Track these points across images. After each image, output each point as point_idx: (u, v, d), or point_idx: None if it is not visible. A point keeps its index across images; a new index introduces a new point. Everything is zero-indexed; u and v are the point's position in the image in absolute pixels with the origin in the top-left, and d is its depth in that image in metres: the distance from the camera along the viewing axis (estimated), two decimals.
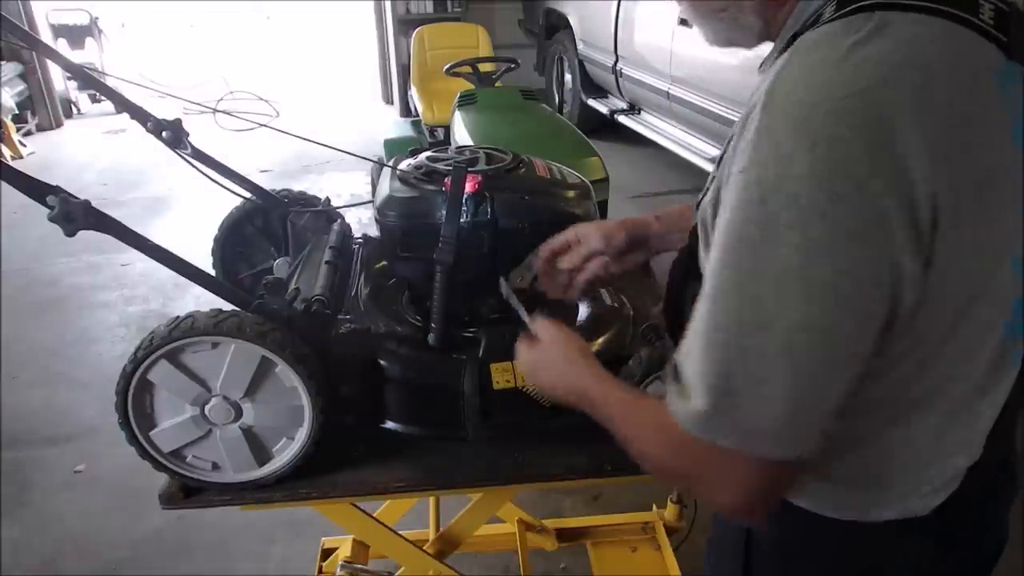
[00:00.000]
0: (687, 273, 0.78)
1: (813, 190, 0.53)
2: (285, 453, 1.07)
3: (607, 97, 5.51)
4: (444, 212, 1.11)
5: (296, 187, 1.53)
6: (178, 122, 1.28)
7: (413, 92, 4.71)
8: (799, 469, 0.63)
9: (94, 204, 0.95)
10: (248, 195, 1.43)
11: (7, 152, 5.50)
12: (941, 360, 0.62)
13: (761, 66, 0.74)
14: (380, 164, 1.33)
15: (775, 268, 0.55)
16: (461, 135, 2.91)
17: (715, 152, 4.09)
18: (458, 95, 3.20)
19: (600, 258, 1.04)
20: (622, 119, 5.10)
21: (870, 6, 0.56)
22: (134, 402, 1.01)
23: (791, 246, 0.54)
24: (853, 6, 0.56)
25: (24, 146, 5.80)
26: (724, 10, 0.70)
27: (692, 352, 0.60)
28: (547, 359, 0.88)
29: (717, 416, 0.59)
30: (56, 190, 0.93)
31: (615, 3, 4.87)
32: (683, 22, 3.98)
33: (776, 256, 0.54)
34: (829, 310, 0.54)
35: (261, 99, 5.55)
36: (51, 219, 0.93)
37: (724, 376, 0.58)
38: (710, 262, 0.59)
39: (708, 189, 0.70)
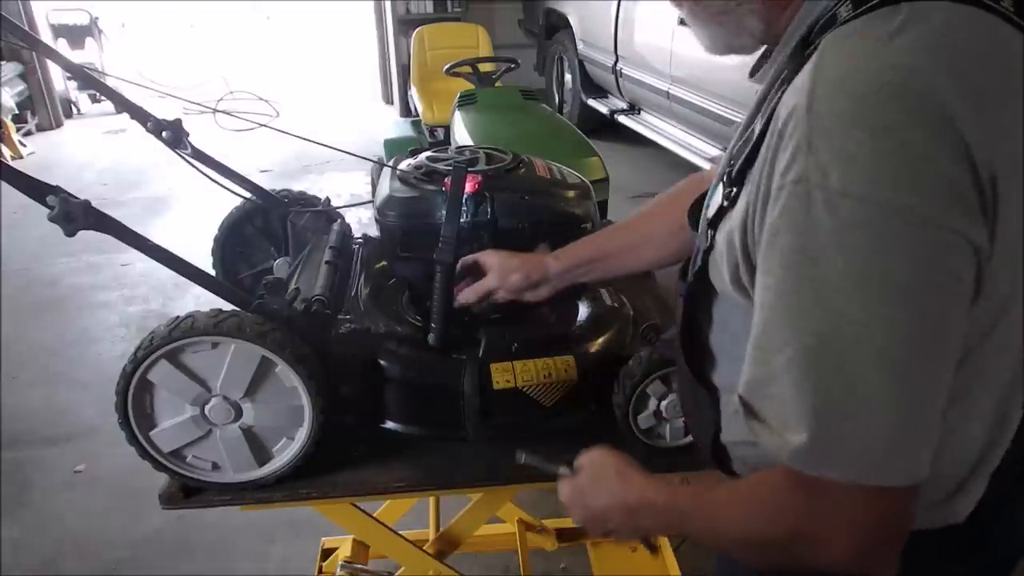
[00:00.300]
0: (698, 297, 0.75)
1: (884, 184, 0.51)
2: (285, 453, 1.07)
3: (607, 97, 5.50)
4: (444, 212, 1.11)
5: (296, 187, 1.53)
6: (178, 122, 1.28)
7: (413, 92, 4.71)
8: (914, 498, 0.57)
9: (94, 204, 0.95)
10: (248, 195, 1.43)
11: (7, 152, 5.49)
12: (979, 358, 0.59)
13: (754, 73, 0.73)
14: (380, 164, 1.33)
15: (855, 274, 0.52)
16: (461, 135, 2.91)
17: (715, 152, 4.09)
18: (458, 95, 3.20)
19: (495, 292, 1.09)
20: (622, 119, 5.10)
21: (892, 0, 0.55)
22: (134, 402, 1.01)
23: (868, 247, 0.51)
24: (871, 3, 0.56)
25: (24, 146, 5.80)
26: (727, 13, 0.68)
27: (773, 383, 0.56)
28: (593, 482, 0.82)
29: (822, 446, 0.54)
30: (56, 190, 0.93)
31: (615, 3, 4.87)
32: (683, 22, 3.95)
33: (854, 261, 0.52)
34: (923, 306, 0.51)
35: (261, 99, 5.53)
36: (51, 219, 0.93)
37: (821, 400, 0.54)
38: (769, 283, 0.56)
39: (725, 208, 0.66)
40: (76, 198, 0.94)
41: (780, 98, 0.60)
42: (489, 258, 1.09)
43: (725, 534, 0.67)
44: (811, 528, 0.58)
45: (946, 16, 0.54)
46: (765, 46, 0.71)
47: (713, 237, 0.69)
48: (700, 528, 0.69)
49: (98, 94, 5.29)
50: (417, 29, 5.07)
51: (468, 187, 1.11)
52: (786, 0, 0.65)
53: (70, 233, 0.94)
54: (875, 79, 0.52)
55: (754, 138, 0.63)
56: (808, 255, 0.53)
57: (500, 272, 1.08)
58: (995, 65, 0.55)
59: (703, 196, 0.85)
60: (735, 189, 0.65)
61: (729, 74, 3.46)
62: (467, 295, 1.10)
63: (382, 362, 1.13)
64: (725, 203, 0.66)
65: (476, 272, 1.11)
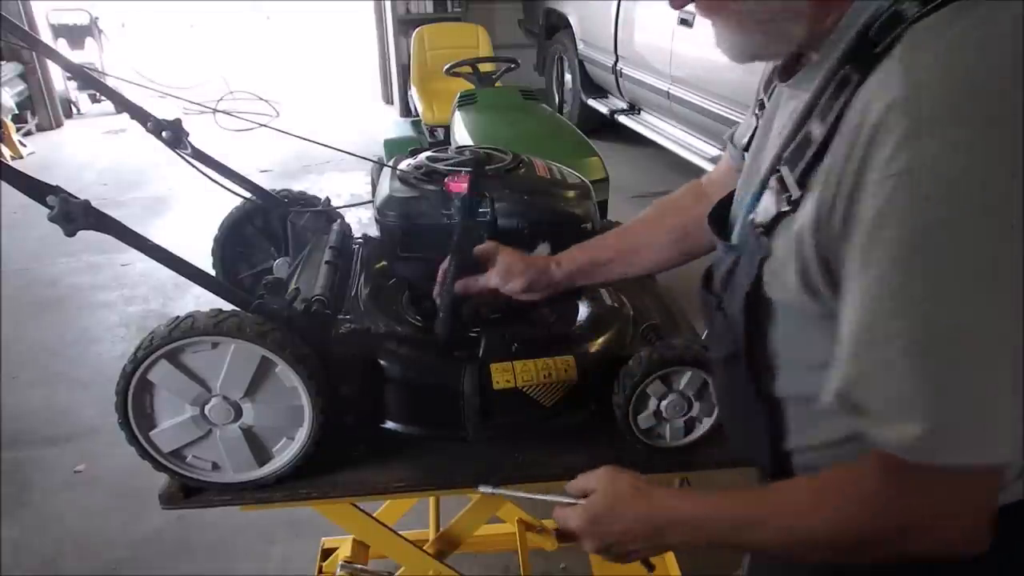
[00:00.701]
0: (755, 309, 0.73)
1: (1003, 172, 0.50)
2: (285, 453, 1.07)
3: (607, 97, 5.51)
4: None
5: (296, 187, 1.53)
6: (178, 122, 1.28)
7: (413, 92, 4.71)
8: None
9: (94, 204, 0.95)
10: (248, 195, 1.43)
11: (7, 152, 5.50)
12: None
13: (787, 76, 0.70)
14: (380, 164, 1.33)
15: (973, 262, 0.51)
16: (461, 135, 2.91)
17: (715, 152, 4.09)
18: (458, 95, 3.20)
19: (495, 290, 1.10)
20: (622, 119, 5.10)
21: None
22: (134, 402, 1.01)
23: (986, 235, 0.51)
24: None
25: (24, 146, 5.80)
26: (772, 21, 0.65)
27: (882, 374, 0.56)
28: (609, 506, 0.77)
29: (941, 433, 0.54)
30: (56, 190, 0.93)
31: (615, 3, 4.87)
32: (683, 22, 3.97)
33: (971, 249, 0.51)
34: None
35: (261, 99, 5.53)
36: (51, 219, 0.93)
37: (940, 389, 0.54)
38: (873, 275, 0.56)
39: (785, 212, 0.65)
40: (76, 198, 0.94)
41: (846, 100, 0.59)
42: (500, 255, 1.10)
43: (806, 538, 0.65)
44: (926, 516, 0.58)
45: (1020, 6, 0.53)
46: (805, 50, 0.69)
47: (769, 245, 0.68)
48: (759, 537, 0.67)
49: (98, 94, 5.28)
50: (417, 29, 5.07)
51: (464, 187, 1.11)
52: (831, 2, 0.63)
53: (70, 233, 0.94)
54: (979, 69, 0.52)
55: (816, 142, 0.61)
56: (921, 245, 0.53)
57: (504, 274, 1.08)
58: None
59: (725, 203, 0.84)
60: (797, 193, 0.63)
61: (729, 74, 3.46)
62: (462, 286, 1.11)
63: (382, 362, 1.13)
64: (786, 207, 0.65)
65: (478, 265, 1.12)
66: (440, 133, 4.06)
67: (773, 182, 0.67)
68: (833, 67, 0.62)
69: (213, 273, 1.41)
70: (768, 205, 0.68)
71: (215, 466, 1.07)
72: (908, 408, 0.55)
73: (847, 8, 0.62)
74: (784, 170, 0.65)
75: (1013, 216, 0.50)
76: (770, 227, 0.67)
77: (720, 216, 0.84)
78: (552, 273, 1.09)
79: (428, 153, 1.24)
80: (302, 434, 1.06)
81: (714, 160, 4.06)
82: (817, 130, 0.62)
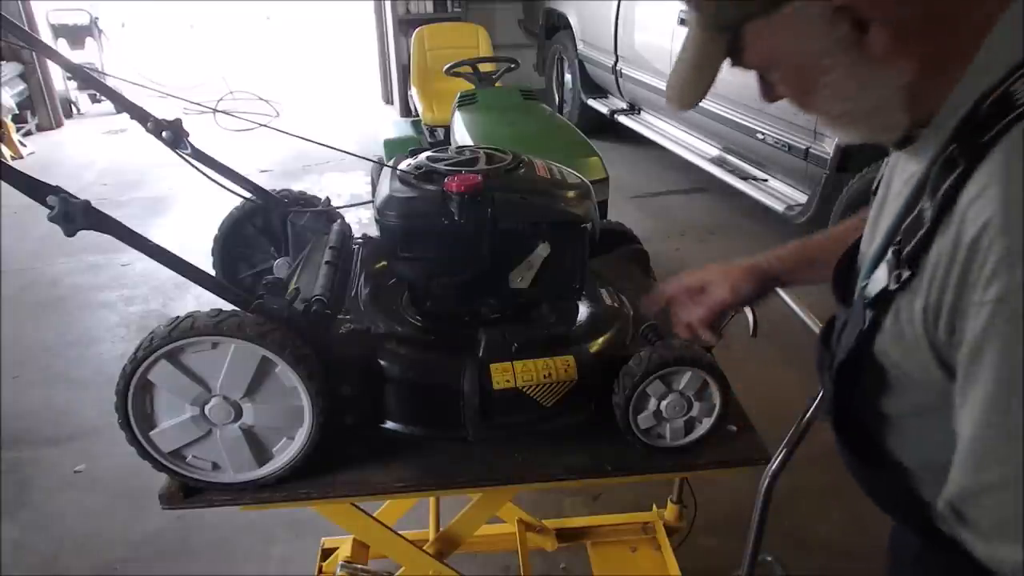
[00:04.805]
0: (853, 376, 0.73)
1: None
2: (285, 453, 1.07)
3: (607, 97, 5.51)
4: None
5: (296, 187, 1.53)
6: (178, 122, 1.28)
7: (413, 92, 4.71)
8: None
9: (94, 204, 0.95)
10: (248, 195, 1.43)
11: (7, 152, 5.50)
12: None
13: (903, 145, 0.68)
14: (380, 164, 1.33)
15: None
16: (461, 135, 2.91)
17: (715, 152, 4.09)
18: (458, 95, 3.20)
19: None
20: (622, 119, 5.10)
21: None
22: (134, 402, 1.01)
23: None
24: None
25: (24, 146, 5.80)
26: (870, 115, 0.64)
27: (989, 495, 0.57)
28: None
29: None
30: (56, 190, 0.93)
31: (615, 3, 4.87)
32: (683, 22, 3.97)
33: None
34: None
35: (261, 99, 5.55)
36: (51, 219, 0.93)
37: None
38: (979, 395, 0.56)
39: (894, 291, 0.64)
40: (76, 198, 0.94)
41: (953, 184, 0.57)
42: (710, 276, 1.06)
43: None
44: None
45: None
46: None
47: (874, 319, 0.68)
48: None
49: (98, 94, 5.28)
50: (417, 29, 5.07)
51: (467, 187, 1.11)
52: (937, 82, 0.61)
53: (70, 233, 0.94)
54: None
55: (926, 223, 0.60)
56: (1018, 378, 0.53)
57: (731, 285, 1.03)
58: None
59: (848, 260, 0.82)
60: (906, 272, 0.62)
61: (729, 75, 3.46)
62: (701, 313, 1.06)
63: (382, 362, 1.13)
64: (894, 285, 0.64)
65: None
66: (440, 133, 4.06)
67: (890, 255, 0.66)
68: (943, 143, 0.60)
69: (213, 273, 1.41)
70: (881, 276, 0.66)
71: (215, 466, 1.07)
72: (1010, 534, 0.56)
73: (953, 86, 0.60)
74: (903, 246, 0.64)
75: None
76: (878, 300, 0.67)
77: (844, 272, 0.82)
78: (776, 271, 1.03)
79: (428, 153, 1.24)
80: (302, 434, 1.06)
81: (714, 160, 4.06)
82: (928, 211, 0.60)
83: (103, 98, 3.25)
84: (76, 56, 6.57)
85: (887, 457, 0.78)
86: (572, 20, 5.62)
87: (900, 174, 0.72)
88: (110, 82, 1.47)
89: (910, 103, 0.63)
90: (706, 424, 1.12)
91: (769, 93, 0.69)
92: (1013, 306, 0.52)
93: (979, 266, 0.54)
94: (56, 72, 6.51)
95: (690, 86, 0.68)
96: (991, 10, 0.58)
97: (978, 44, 0.59)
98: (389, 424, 1.17)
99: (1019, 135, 0.54)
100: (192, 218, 4.36)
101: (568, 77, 5.92)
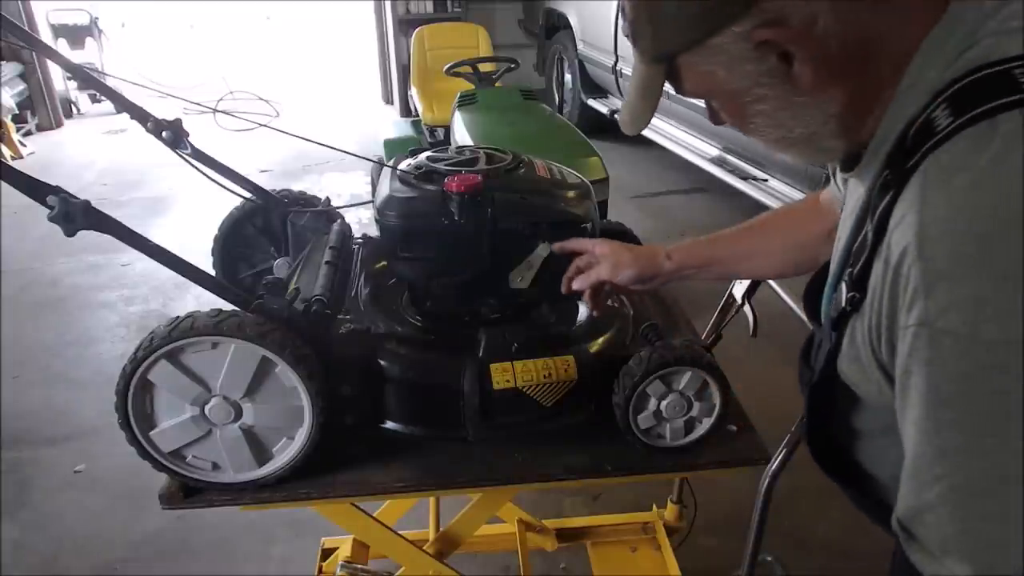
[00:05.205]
0: (824, 394, 0.75)
1: (1015, 322, 0.50)
2: (285, 453, 1.07)
3: (607, 97, 5.50)
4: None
5: (296, 187, 1.53)
6: (178, 122, 1.28)
7: (413, 92, 4.71)
8: None
9: (94, 204, 0.95)
10: (248, 195, 1.43)
11: (7, 152, 5.50)
12: None
13: (849, 167, 0.70)
14: (380, 164, 1.33)
15: (995, 417, 0.52)
16: (461, 135, 2.91)
17: (715, 152, 4.09)
18: (458, 95, 3.20)
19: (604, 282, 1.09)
20: None
21: (990, 111, 0.53)
22: (134, 402, 1.01)
23: (1006, 389, 0.51)
24: (971, 113, 0.54)
25: (24, 146, 5.80)
26: (803, 141, 0.67)
27: (929, 513, 0.58)
28: None
29: (989, 574, 0.56)
30: (56, 190, 0.93)
31: (615, 3, 4.87)
32: None
33: (993, 404, 0.52)
34: None
35: (261, 99, 5.55)
36: (51, 219, 0.93)
37: (979, 537, 0.55)
38: (910, 417, 0.57)
39: (849, 312, 0.66)
40: (76, 198, 0.94)
41: (886, 208, 0.59)
42: (601, 248, 1.10)
43: None
44: None
45: None
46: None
47: (838, 339, 0.69)
48: None
49: (98, 94, 5.29)
50: (417, 29, 5.07)
51: (467, 187, 1.11)
52: (866, 110, 0.63)
53: (70, 233, 0.94)
54: (989, 218, 0.51)
55: (868, 246, 0.62)
56: (944, 399, 0.54)
57: (613, 265, 1.08)
58: None
59: (818, 282, 0.84)
60: (858, 295, 0.64)
61: None
62: (580, 283, 1.10)
63: (382, 362, 1.13)
64: (848, 307, 0.66)
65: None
66: (440, 133, 4.06)
67: (845, 275, 0.67)
68: (878, 169, 0.63)
69: (213, 273, 1.41)
70: (839, 298, 0.68)
71: (215, 466, 1.07)
72: (955, 550, 0.56)
73: (884, 113, 0.62)
74: (854, 268, 0.65)
75: None
76: (837, 322, 0.69)
77: (815, 290, 0.84)
78: (662, 265, 1.08)
79: (428, 153, 1.24)
80: (302, 434, 1.06)
81: (714, 160, 4.06)
82: (869, 234, 0.62)
83: (103, 98, 3.25)
84: (76, 56, 6.57)
85: (861, 470, 0.80)
86: (572, 20, 5.62)
87: (852, 194, 0.74)
88: (110, 82, 1.47)
89: (843, 130, 0.65)
90: (706, 424, 1.12)
91: (714, 117, 0.72)
92: (932, 330, 0.53)
93: (903, 290, 0.56)
94: (56, 72, 6.51)
95: (638, 112, 0.73)
96: (913, 40, 0.60)
97: (903, 73, 0.61)
98: (389, 424, 1.17)
99: (933, 163, 0.55)
100: (192, 218, 4.36)
101: (568, 77, 5.92)
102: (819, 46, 0.59)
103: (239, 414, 1.04)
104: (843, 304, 0.67)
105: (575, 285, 1.11)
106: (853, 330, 0.67)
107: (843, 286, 0.67)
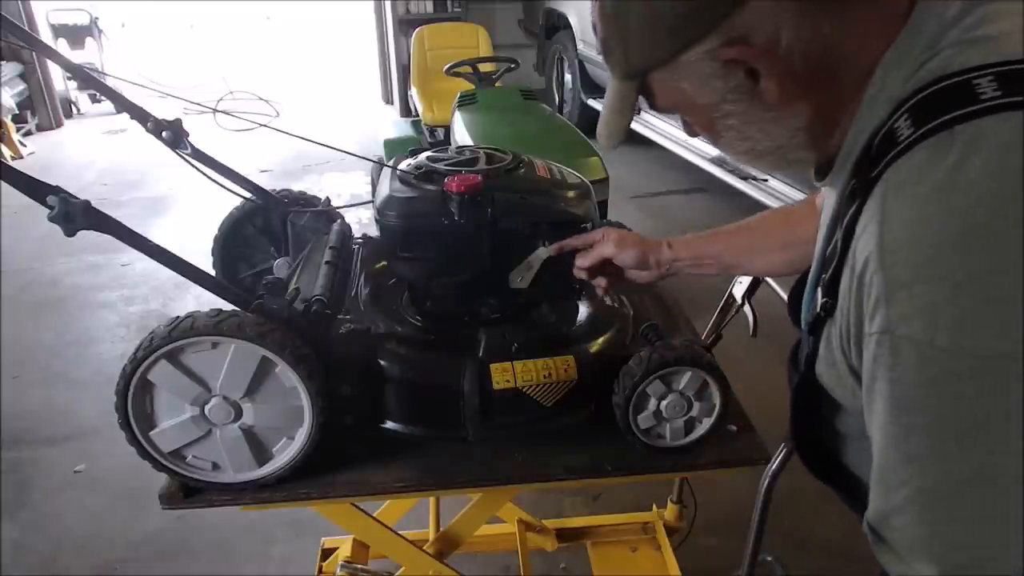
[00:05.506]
0: (806, 395, 0.76)
1: (972, 333, 0.50)
2: (285, 453, 1.07)
3: None
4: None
5: (296, 187, 1.53)
6: (178, 122, 1.28)
7: (413, 92, 4.71)
8: None
9: (94, 204, 0.95)
10: (248, 195, 1.43)
11: (7, 152, 5.50)
12: None
13: (822, 175, 0.71)
14: (380, 164, 1.33)
15: (955, 423, 0.53)
16: (461, 135, 2.91)
17: (715, 152, 4.09)
18: (458, 95, 3.20)
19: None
20: None
21: (949, 122, 0.53)
22: (134, 402, 1.01)
23: (963, 395, 0.52)
24: (931, 124, 0.54)
25: (24, 146, 5.80)
26: (772, 153, 0.68)
27: (896, 517, 0.58)
28: None
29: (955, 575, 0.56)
30: (56, 190, 0.93)
31: None
32: None
33: (951, 411, 0.53)
34: None
35: (261, 99, 5.55)
36: (51, 219, 0.93)
37: (945, 540, 0.56)
38: (876, 422, 0.58)
39: (823, 317, 0.67)
40: (76, 198, 0.94)
41: (852, 213, 0.60)
42: (606, 229, 1.13)
43: None
44: None
45: (1003, 130, 0.51)
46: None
47: (815, 343, 0.71)
48: None
49: (98, 94, 5.29)
50: (417, 29, 5.07)
51: (467, 187, 1.11)
52: (833, 122, 0.65)
53: (70, 233, 0.94)
54: (946, 227, 0.51)
55: (837, 252, 0.63)
56: (907, 405, 0.55)
57: (617, 243, 1.10)
58: None
59: (801, 286, 0.85)
60: (831, 300, 0.65)
61: None
62: (583, 261, 1.12)
63: (382, 362, 1.13)
64: (822, 313, 0.67)
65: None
66: (440, 133, 4.06)
67: (820, 281, 0.69)
68: (846, 178, 0.64)
69: (213, 273, 1.41)
70: (816, 303, 0.69)
71: (215, 466, 1.07)
72: (922, 552, 0.57)
73: (850, 124, 0.63)
74: (826, 274, 0.67)
75: (993, 377, 0.50)
76: (814, 327, 0.70)
77: (797, 295, 0.85)
78: (663, 252, 1.10)
79: (428, 153, 1.24)
80: (302, 434, 1.06)
81: (714, 160, 4.06)
82: (839, 242, 0.63)
83: (103, 98, 3.25)
84: (76, 56, 6.57)
85: (847, 472, 0.81)
86: (572, 20, 5.62)
87: (828, 201, 0.75)
88: (110, 82, 1.47)
89: (811, 142, 0.67)
90: (706, 424, 1.12)
91: (688, 129, 0.74)
92: (893, 337, 0.54)
93: (867, 298, 0.57)
94: (56, 72, 6.51)
95: (613, 127, 0.74)
96: (876, 52, 0.61)
97: (867, 85, 0.62)
98: (389, 424, 1.17)
99: (894, 173, 0.56)
100: (192, 218, 4.36)
101: (568, 77, 5.92)
102: (784, 63, 0.60)
103: (239, 414, 1.04)
104: (818, 309, 0.68)
105: (578, 261, 1.13)
106: (828, 335, 0.68)
107: (819, 291, 0.69)
